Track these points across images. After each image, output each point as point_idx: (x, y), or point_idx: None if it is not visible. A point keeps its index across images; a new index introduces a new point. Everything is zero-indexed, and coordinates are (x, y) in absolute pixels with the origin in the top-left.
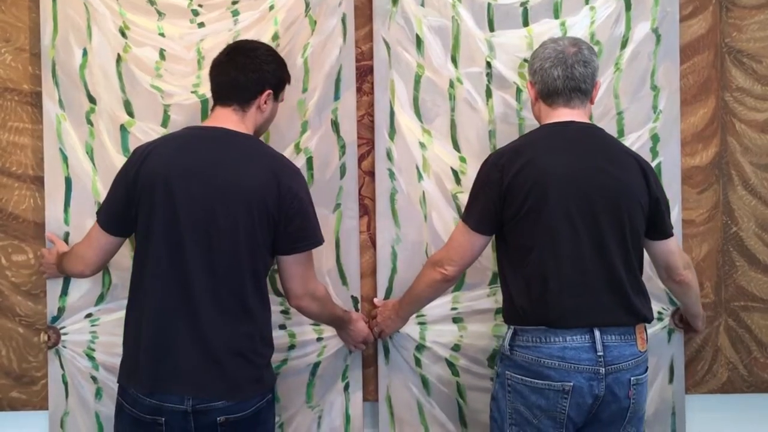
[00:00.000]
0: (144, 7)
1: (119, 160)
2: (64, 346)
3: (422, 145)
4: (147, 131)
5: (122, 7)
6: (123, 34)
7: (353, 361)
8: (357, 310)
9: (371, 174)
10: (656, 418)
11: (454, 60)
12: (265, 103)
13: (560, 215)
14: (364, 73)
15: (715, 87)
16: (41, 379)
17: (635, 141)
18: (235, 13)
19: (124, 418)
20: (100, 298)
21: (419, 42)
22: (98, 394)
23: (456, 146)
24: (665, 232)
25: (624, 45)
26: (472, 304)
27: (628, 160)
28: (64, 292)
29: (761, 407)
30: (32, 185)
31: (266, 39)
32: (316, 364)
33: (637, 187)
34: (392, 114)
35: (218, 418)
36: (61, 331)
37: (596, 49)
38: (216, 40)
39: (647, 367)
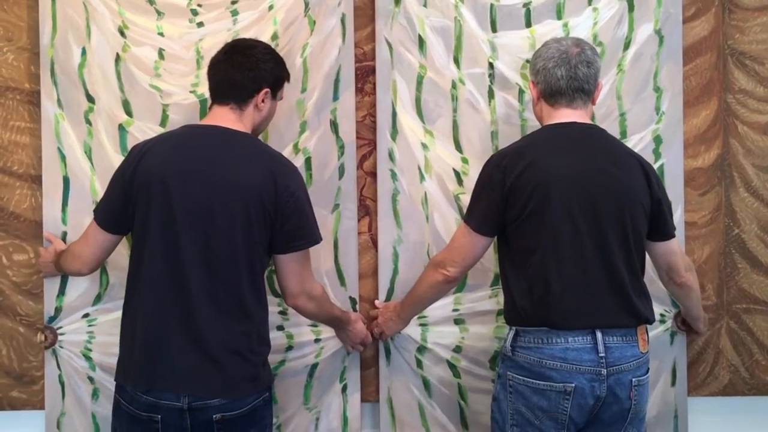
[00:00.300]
0: (143, 6)
1: (117, 160)
2: (61, 346)
3: (424, 146)
4: (145, 131)
5: (121, 6)
6: (122, 34)
7: (351, 362)
8: (355, 310)
9: (373, 175)
10: (658, 421)
11: (456, 61)
12: (263, 101)
13: (563, 217)
14: (366, 74)
15: (718, 89)
16: (41, 379)
17: (638, 142)
18: (234, 13)
19: (121, 416)
20: (98, 298)
21: (422, 42)
22: (95, 394)
23: (458, 147)
24: (667, 233)
25: (627, 46)
26: (474, 306)
27: (630, 161)
28: (62, 292)
29: (764, 410)
30: (33, 184)
31: (265, 39)
32: (314, 366)
33: (639, 189)
34: (394, 114)
35: (214, 416)
36: (58, 331)
37: (599, 50)
38: (215, 39)
39: (648, 368)
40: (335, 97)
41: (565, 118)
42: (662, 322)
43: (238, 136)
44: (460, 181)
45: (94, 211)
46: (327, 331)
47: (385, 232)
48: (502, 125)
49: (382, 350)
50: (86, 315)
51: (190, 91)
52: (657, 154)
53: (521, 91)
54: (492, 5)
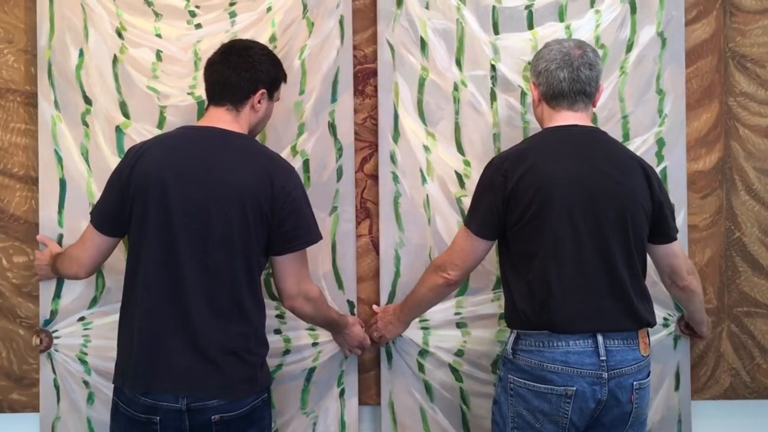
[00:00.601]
0: (141, 8)
1: (114, 162)
2: (56, 350)
3: (426, 149)
4: (143, 133)
5: (119, 8)
6: (120, 35)
7: (349, 366)
8: (353, 314)
9: (374, 177)
10: (662, 426)
11: (458, 63)
12: (259, 102)
13: (564, 220)
14: (367, 76)
15: (719, 92)
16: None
17: (641, 145)
18: (233, 15)
19: (119, 418)
20: (93, 302)
21: (423, 45)
22: (90, 398)
23: (460, 149)
24: (669, 236)
25: (629, 48)
26: (476, 309)
27: (632, 164)
28: (57, 295)
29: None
30: (34, 187)
31: (263, 40)
32: (312, 370)
33: (641, 191)
34: (396, 117)
35: (213, 417)
36: (54, 335)
37: (601, 52)
38: (213, 41)
39: (650, 372)
40: (333, 99)
41: (566, 121)
42: (666, 326)
43: (235, 137)
44: (462, 184)
45: (91, 213)
46: (324, 335)
47: (386, 235)
48: (504, 127)
49: (383, 354)
50: (82, 318)
51: (188, 93)
52: (660, 157)
53: (523, 94)
54: (494, 7)
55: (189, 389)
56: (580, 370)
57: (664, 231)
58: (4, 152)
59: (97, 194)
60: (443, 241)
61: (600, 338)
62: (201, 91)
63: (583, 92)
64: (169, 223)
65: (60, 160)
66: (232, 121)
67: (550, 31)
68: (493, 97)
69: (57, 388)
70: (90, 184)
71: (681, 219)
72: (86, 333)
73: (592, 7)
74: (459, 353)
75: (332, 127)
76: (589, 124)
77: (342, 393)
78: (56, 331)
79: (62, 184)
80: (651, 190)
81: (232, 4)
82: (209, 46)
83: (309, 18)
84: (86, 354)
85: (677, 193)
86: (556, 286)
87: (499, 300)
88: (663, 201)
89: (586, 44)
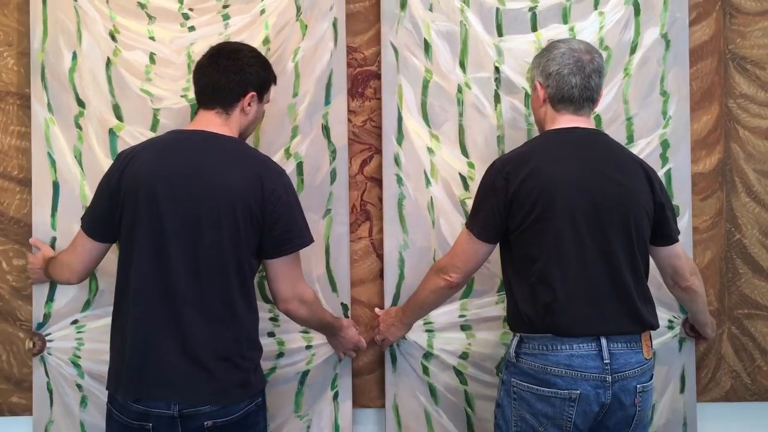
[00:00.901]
0: (134, 10)
1: (107, 165)
2: (50, 353)
3: (430, 151)
4: (136, 135)
5: (112, 10)
6: (113, 38)
7: (343, 369)
8: (347, 316)
9: (374, 179)
10: (667, 429)
11: (462, 65)
12: (249, 105)
13: (567, 224)
14: (367, 79)
15: (719, 94)
16: None
17: (645, 147)
18: (226, 17)
19: (113, 425)
20: (87, 305)
21: (427, 47)
22: (83, 402)
23: (464, 151)
24: (671, 237)
25: (633, 50)
26: (480, 312)
27: (633, 166)
28: (50, 298)
29: None
30: None
31: (257, 43)
32: (305, 373)
33: (643, 194)
34: (400, 119)
35: (205, 423)
36: (47, 338)
37: (605, 54)
38: (206, 44)
39: (653, 375)
40: (327, 102)
41: (567, 124)
42: (670, 328)
43: (225, 140)
44: (466, 186)
45: (82, 219)
46: (318, 338)
47: (390, 237)
48: (508, 129)
49: (388, 356)
50: (75, 321)
51: (181, 96)
52: (664, 159)
53: (527, 95)
54: (498, 9)
55: (181, 395)
56: (584, 374)
57: (666, 232)
58: (3, 155)
59: (91, 197)
60: (447, 243)
61: (604, 341)
62: (194, 94)
63: (590, 99)
64: (160, 228)
65: (53, 163)
66: (222, 124)
67: (553, 33)
68: (497, 99)
69: (50, 391)
70: (83, 187)
71: (686, 220)
72: (79, 336)
73: (595, 8)
74: (464, 356)
75: (326, 130)
76: (591, 126)
77: (336, 396)
78: (49, 334)
79: (55, 187)
80: (653, 191)
81: (225, 7)
82: (203, 48)
83: (302, 20)
84: (79, 357)
85: (682, 194)
86: (560, 290)
87: (504, 302)
88: (664, 202)
89: (593, 48)
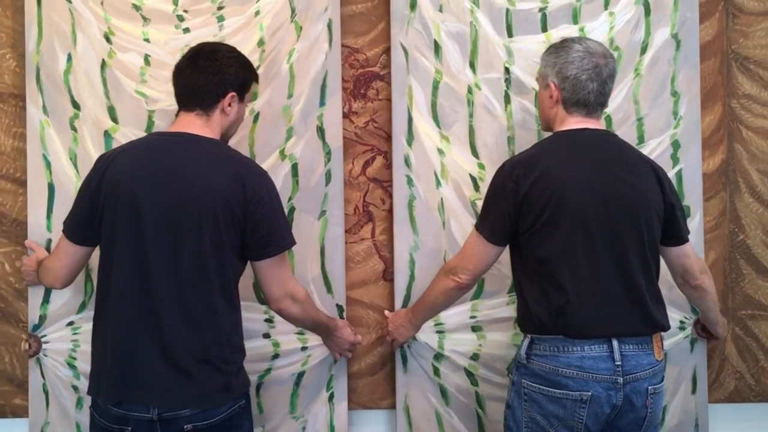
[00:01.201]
0: (129, 12)
1: None
2: (45, 355)
3: (440, 152)
4: (131, 137)
5: (107, 12)
6: (108, 40)
7: (338, 370)
8: (342, 317)
9: (376, 181)
10: (679, 430)
11: (472, 66)
12: (230, 105)
13: (578, 226)
14: (369, 80)
15: (722, 94)
16: None
17: (655, 147)
18: (221, 19)
19: (94, 429)
20: (82, 306)
21: (437, 48)
22: (79, 403)
23: (474, 152)
24: (681, 237)
25: (643, 50)
26: (491, 313)
27: (643, 166)
28: (46, 300)
29: None
30: None
31: (252, 44)
32: (301, 374)
33: (653, 194)
34: (410, 120)
35: (185, 427)
36: (43, 340)
37: (615, 54)
38: None
39: (663, 376)
40: (322, 103)
41: (577, 125)
42: (682, 329)
43: (206, 142)
44: (476, 187)
45: (64, 223)
46: (314, 339)
47: (401, 239)
48: (518, 130)
49: (398, 357)
50: (71, 323)
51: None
52: (675, 159)
53: (537, 96)
54: (508, 10)
55: (159, 399)
56: (596, 375)
57: (677, 233)
58: (6, 157)
59: None
60: (458, 244)
61: (615, 343)
62: (174, 96)
63: (603, 103)
64: (140, 231)
65: (48, 164)
66: (203, 126)
67: (564, 34)
68: (507, 99)
69: (46, 393)
70: (78, 189)
71: (697, 220)
72: (75, 338)
73: (606, 9)
74: (474, 357)
75: (321, 131)
76: (600, 127)
77: (331, 397)
78: (45, 336)
79: (51, 188)
80: (663, 192)
81: (220, 8)
82: None
83: (297, 22)
84: (75, 359)
85: (693, 195)
86: (572, 292)
87: (515, 303)
88: (675, 203)
89: (608, 51)
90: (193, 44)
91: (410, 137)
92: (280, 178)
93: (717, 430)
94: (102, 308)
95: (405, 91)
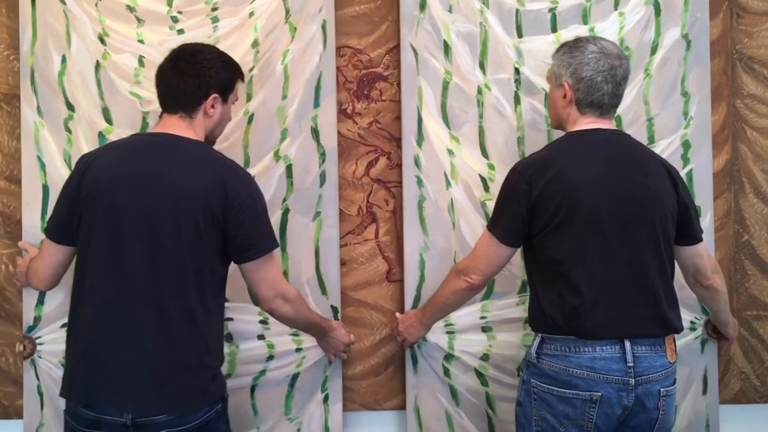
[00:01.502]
0: (123, 13)
1: None
2: (40, 356)
3: (450, 152)
4: None
5: (101, 13)
6: (102, 41)
7: (333, 372)
8: (336, 319)
9: (380, 181)
10: (690, 431)
11: (482, 66)
12: (212, 107)
13: (592, 227)
14: (373, 80)
15: (726, 94)
16: None
17: (666, 148)
18: (215, 20)
19: None
20: None
21: (447, 48)
22: None
23: (484, 153)
24: (695, 237)
25: (654, 51)
26: (501, 313)
27: (657, 166)
28: (40, 302)
29: None
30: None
31: (246, 46)
32: (295, 375)
33: (667, 194)
34: (420, 121)
35: None
36: (37, 341)
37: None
38: None
39: (675, 379)
40: (316, 104)
41: (590, 125)
42: (693, 330)
43: (189, 143)
44: (486, 188)
45: (46, 223)
46: (308, 341)
47: (411, 239)
48: (528, 131)
49: (408, 358)
50: (65, 325)
51: None
52: (685, 160)
53: (547, 97)
54: (517, 10)
55: (134, 402)
56: (606, 376)
57: (691, 232)
58: (10, 158)
59: None
60: (468, 245)
61: (627, 344)
62: (157, 98)
63: (616, 105)
64: (118, 231)
65: (43, 166)
66: (186, 128)
67: (573, 34)
68: (517, 100)
69: (41, 394)
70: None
71: (707, 220)
72: None
73: (616, 9)
74: (485, 357)
75: (315, 132)
76: (612, 127)
77: (326, 399)
78: (39, 337)
79: (45, 190)
80: (677, 192)
81: (214, 10)
82: None
83: (291, 23)
84: None
85: (704, 194)
86: (587, 293)
87: (525, 304)
88: (688, 202)
89: (622, 52)
90: None
91: (420, 138)
92: (274, 179)
93: (722, 430)
94: (76, 307)
95: (415, 92)
